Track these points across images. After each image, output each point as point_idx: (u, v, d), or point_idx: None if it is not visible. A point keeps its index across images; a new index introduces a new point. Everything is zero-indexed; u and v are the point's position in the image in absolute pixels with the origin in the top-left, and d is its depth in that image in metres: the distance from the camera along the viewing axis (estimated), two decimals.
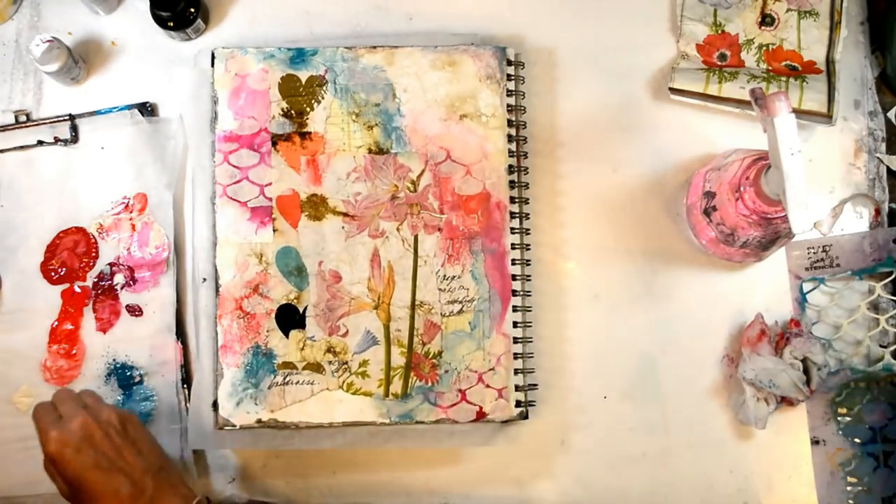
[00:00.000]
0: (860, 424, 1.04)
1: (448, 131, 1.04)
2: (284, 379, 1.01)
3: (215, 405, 1.01)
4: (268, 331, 1.01)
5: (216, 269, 1.02)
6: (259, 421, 1.00)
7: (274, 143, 1.02)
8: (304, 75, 1.04)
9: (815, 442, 1.06)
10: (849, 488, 1.04)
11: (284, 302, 1.01)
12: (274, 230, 1.02)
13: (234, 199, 1.02)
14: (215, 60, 1.04)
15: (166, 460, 0.94)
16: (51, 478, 0.91)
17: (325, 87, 1.04)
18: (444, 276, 1.02)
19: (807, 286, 1.07)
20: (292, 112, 1.03)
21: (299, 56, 1.04)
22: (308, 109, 1.03)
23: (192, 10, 1.06)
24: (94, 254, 1.05)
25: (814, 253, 1.07)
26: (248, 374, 1.01)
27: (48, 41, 1.01)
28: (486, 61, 1.04)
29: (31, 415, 0.92)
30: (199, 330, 1.03)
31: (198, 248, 1.04)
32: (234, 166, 1.02)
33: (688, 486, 1.05)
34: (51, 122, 1.07)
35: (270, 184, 1.02)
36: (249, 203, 1.02)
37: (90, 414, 0.90)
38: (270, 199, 1.02)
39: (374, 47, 1.05)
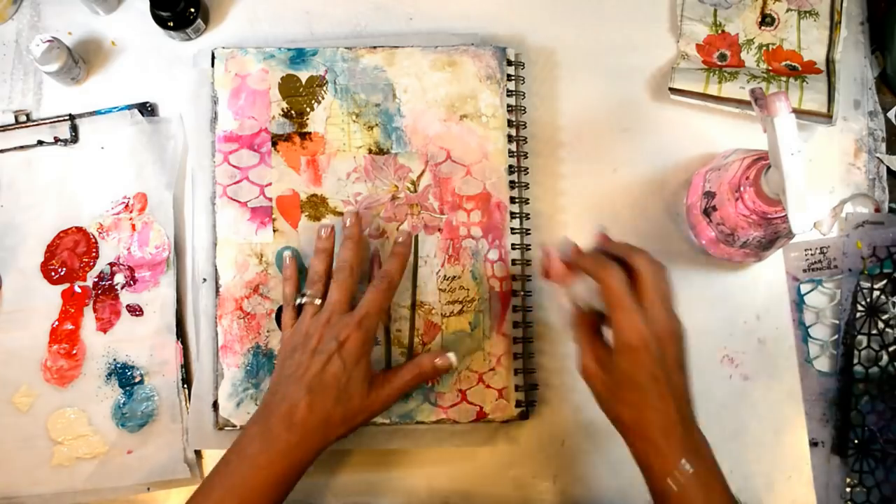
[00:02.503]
0: (859, 426, 1.04)
1: (448, 132, 1.04)
2: None
3: (216, 405, 1.01)
4: (268, 331, 1.01)
5: (216, 270, 1.02)
6: None
7: (274, 144, 1.03)
8: (304, 75, 1.04)
9: (813, 443, 1.06)
10: (848, 490, 1.04)
11: None
12: (274, 230, 1.02)
13: (235, 200, 1.02)
14: (215, 60, 1.04)
15: None
16: (584, 347, 0.87)
17: (325, 88, 1.04)
18: (445, 276, 1.02)
19: (805, 287, 1.07)
20: (292, 112, 1.03)
21: (299, 56, 1.04)
22: (308, 110, 1.03)
23: (192, 10, 1.06)
24: (94, 254, 1.05)
25: (811, 255, 1.07)
26: (249, 375, 1.01)
27: (48, 41, 1.01)
28: (486, 61, 1.04)
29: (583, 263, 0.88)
30: (199, 330, 1.03)
31: (198, 248, 1.04)
32: (235, 166, 1.02)
33: None
34: (51, 122, 1.07)
35: (270, 184, 1.02)
36: (249, 203, 1.02)
37: (676, 325, 0.85)
38: (270, 200, 1.02)
39: (374, 47, 1.05)
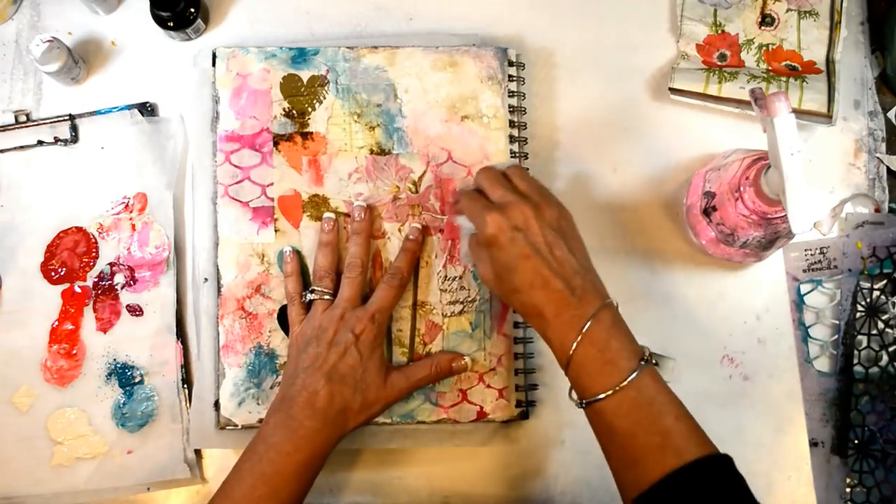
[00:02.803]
0: (859, 426, 1.04)
1: (449, 132, 1.04)
2: None
3: (217, 405, 1.01)
4: (270, 331, 1.01)
5: (218, 270, 1.02)
6: (261, 421, 0.99)
7: (276, 144, 1.02)
8: (305, 75, 1.04)
9: (813, 444, 1.06)
10: (848, 490, 1.04)
11: (286, 303, 1.01)
12: (276, 230, 1.02)
13: (236, 200, 1.02)
14: (217, 60, 1.04)
15: (590, 262, 0.91)
16: (475, 260, 0.94)
17: (326, 88, 1.04)
18: (446, 276, 1.02)
19: (805, 287, 1.07)
20: (294, 112, 1.03)
21: (301, 56, 1.04)
22: (310, 109, 1.03)
23: (192, 10, 1.06)
24: (94, 254, 1.05)
25: (811, 255, 1.07)
26: (251, 374, 1.01)
27: (48, 41, 1.01)
28: (488, 62, 1.04)
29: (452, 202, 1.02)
30: (200, 330, 1.03)
31: (198, 248, 1.04)
32: (236, 166, 1.02)
33: None
34: (51, 122, 1.07)
35: (272, 184, 1.02)
36: (251, 203, 1.02)
37: (530, 205, 0.89)
38: (272, 200, 1.02)
39: (376, 47, 1.05)
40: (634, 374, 0.82)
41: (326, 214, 1.02)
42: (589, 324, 0.84)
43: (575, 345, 0.83)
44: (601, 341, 0.84)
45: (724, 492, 0.78)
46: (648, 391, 0.83)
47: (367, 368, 0.95)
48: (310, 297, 0.99)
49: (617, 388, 0.81)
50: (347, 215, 1.02)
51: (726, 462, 0.80)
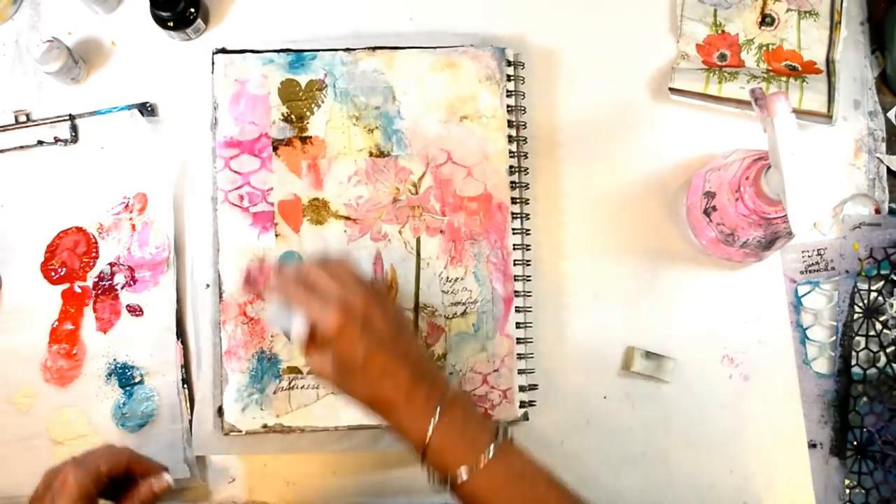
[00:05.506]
0: (857, 427, 1.05)
1: (448, 133, 1.04)
2: (290, 384, 1.01)
3: (220, 411, 1.01)
4: (272, 336, 1.01)
5: (219, 275, 1.02)
6: (265, 426, 0.99)
7: (275, 148, 1.02)
8: (303, 79, 1.04)
9: (812, 445, 1.06)
10: (847, 491, 1.05)
11: None
12: (276, 235, 1.02)
13: (236, 205, 1.02)
14: (215, 66, 1.04)
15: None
16: (310, 355, 0.84)
17: (324, 91, 1.04)
18: (447, 278, 1.02)
19: (802, 289, 1.07)
20: (292, 117, 1.03)
21: (298, 61, 1.04)
22: (308, 114, 1.03)
23: (192, 10, 1.06)
24: (94, 254, 1.05)
25: (808, 257, 1.07)
26: (254, 380, 1.01)
27: (48, 41, 1.02)
28: (486, 62, 1.04)
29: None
30: (201, 336, 1.03)
31: (198, 253, 1.04)
32: (236, 172, 1.02)
33: (688, 486, 1.05)
34: (51, 122, 1.07)
35: (272, 189, 1.02)
36: (251, 208, 1.02)
37: (369, 293, 0.84)
38: (272, 205, 1.02)
39: (374, 49, 1.05)
40: (493, 446, 0.81)
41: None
42: (441, 406, 0.82)
43: (432, 427, 0.81)
44: (459, 420, 0.82)
45: None
46: (516, 465, 0.83)
47: None
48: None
49: (481, 461, 0.80)
50: (348, 218, 1.02)
51: None
